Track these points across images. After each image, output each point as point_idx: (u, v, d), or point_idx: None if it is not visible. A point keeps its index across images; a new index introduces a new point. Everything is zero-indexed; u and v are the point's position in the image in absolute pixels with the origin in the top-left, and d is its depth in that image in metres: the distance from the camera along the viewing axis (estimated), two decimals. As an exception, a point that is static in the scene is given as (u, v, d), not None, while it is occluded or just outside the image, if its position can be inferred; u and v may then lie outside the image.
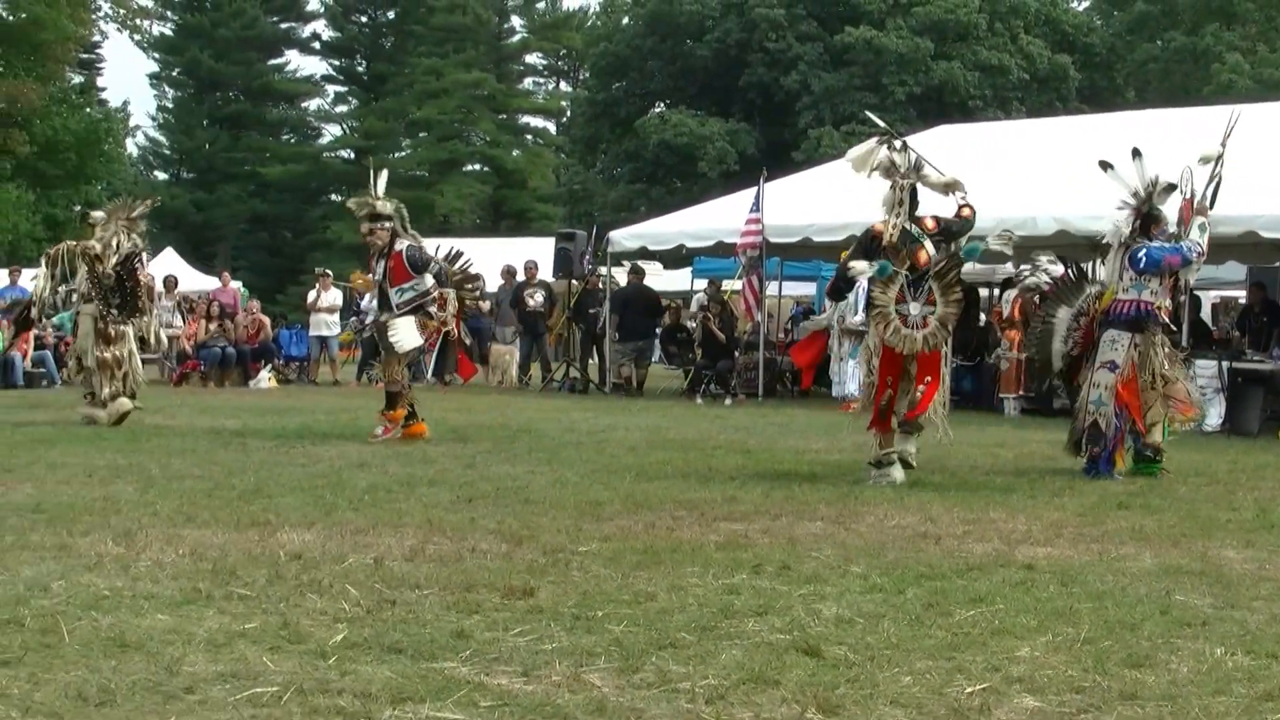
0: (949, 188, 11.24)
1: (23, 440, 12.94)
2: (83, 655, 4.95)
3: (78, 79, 56.85)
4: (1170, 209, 11.69)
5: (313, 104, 76.72)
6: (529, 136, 77.06)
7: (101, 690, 4.53)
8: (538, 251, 28.53)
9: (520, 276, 26.11)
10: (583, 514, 8.57)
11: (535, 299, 25.28)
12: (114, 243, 15.19)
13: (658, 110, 58.02)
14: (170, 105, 73.03)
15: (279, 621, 5.51)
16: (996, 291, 24.67)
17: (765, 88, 54.90)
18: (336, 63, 75.71)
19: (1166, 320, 11.50)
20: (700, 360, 23.18)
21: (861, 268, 10.90)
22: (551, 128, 78.36)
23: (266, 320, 26.72)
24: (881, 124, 11.69)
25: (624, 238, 24.32)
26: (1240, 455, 13.24)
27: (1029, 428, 16.43)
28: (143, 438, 13.32)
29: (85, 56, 59.78)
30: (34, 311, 16.46)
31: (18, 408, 17.33)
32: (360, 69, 74.71)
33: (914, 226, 10.74)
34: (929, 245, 10.73)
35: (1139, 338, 11.20)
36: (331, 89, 76.19)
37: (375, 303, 14.26)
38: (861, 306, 11.52)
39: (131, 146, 67.20)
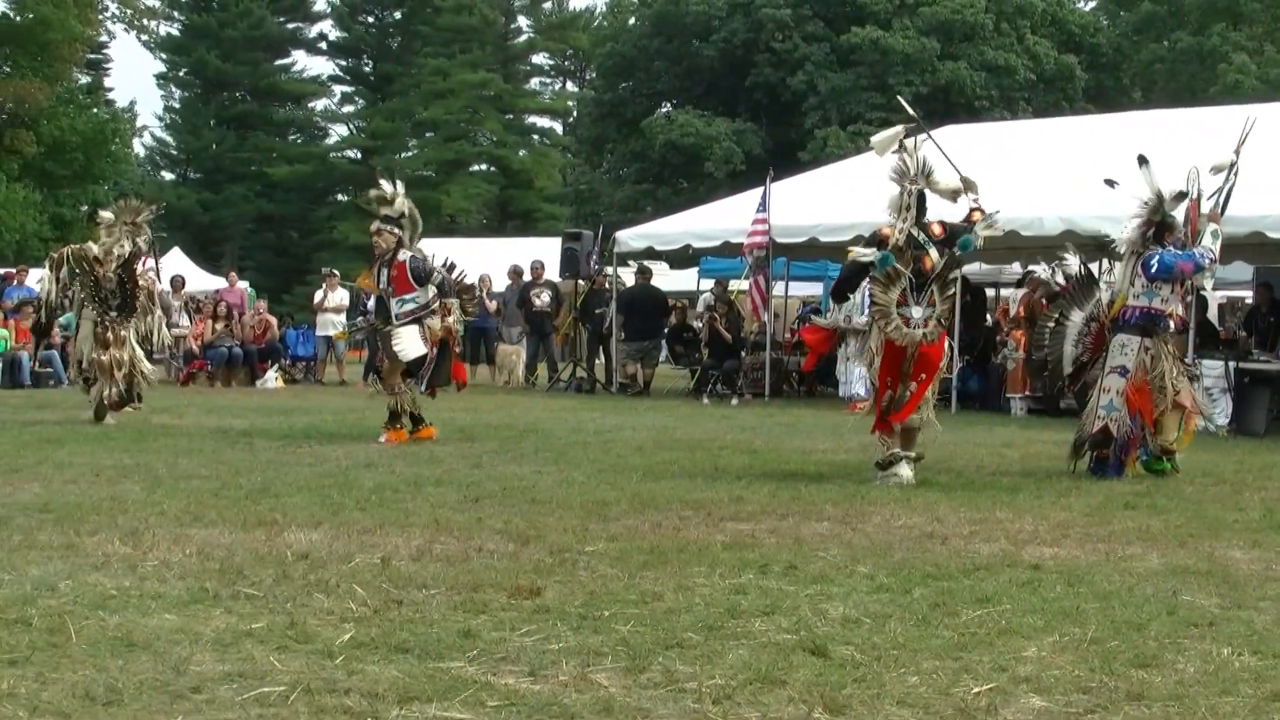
0: (966, 187, 11.25)
1: (30, 440, 12.96)
2: (90, 655, 4.95)
3: (85, 79, 56.98)
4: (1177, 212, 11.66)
5: (319, 104, 76.87)
6: (535, 137, 77.08)
7: (109, 689, 4.53)
8: (544, 251, 28.55)
9: (526, 276, 26.13)
10: (589, 514, 8.57)
11: (542, 299, 25.29)
12: (117, 244, 15.21)
13: (664, 110, 58.01)
14: (177, 105, 73.05)
15: (286, 621, 5.52)
16: (1002, 291, 24.76)
17: (772, 88, 54.88)
18: (343, 63, 75.76)
19: (1177, 326, 11.50)
20: (707, 360, 23.18)
21: (866, 252, 10.93)
22: (558, 128, 78.40)
23: (273, 320, 26.75)
24: (911, 111, 11.72)
25: (630, 238, 24.33)
26: (1247, 455, 13.23)
27: (1036, 428, 16.43)
28: (150, 437, 13.33)
29: (92, 57, 59.88)
30: (43, 315, 16.49)
31: (25, 407, 17.36)
32: (367, 69, 74.73)
33: (920, 232, 10.74)
34: (933, 252, 10.75)
35: (1149, 341, 11.19)
36: (338, 89, 76.32)
37: (375, 308, 14.27)
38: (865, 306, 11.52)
39: (138, 147, 67.33)
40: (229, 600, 5.89)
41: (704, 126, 53.78)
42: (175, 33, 70.02)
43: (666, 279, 30.81)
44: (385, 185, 13.45)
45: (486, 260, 29.68)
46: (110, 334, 14.99)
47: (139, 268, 16.24)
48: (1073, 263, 12.15)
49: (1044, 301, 12.33)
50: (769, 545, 7.54)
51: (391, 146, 69.91)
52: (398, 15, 73.60)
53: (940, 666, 5.00)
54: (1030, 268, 20.62)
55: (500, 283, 27.66)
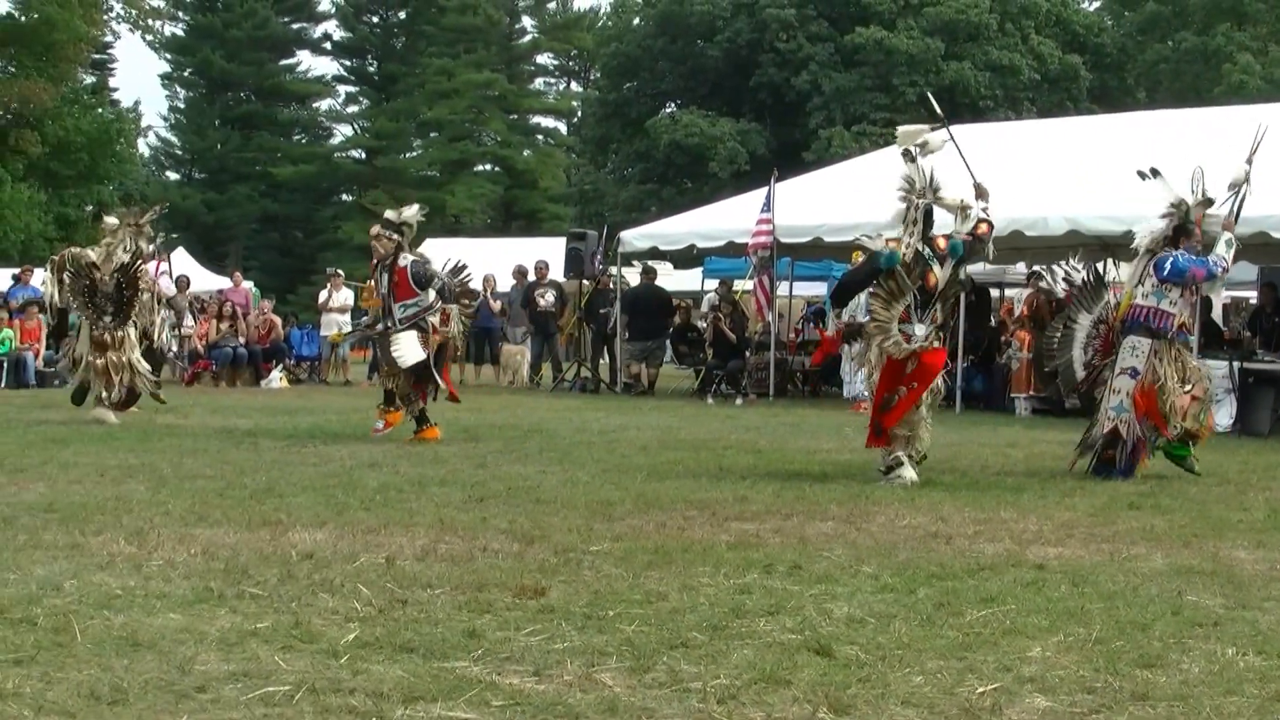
0: (978, 194, 11.28)
1: (35, 440, 12.97)
2: (95, 654, 4.96)
3: (90, 79, 57.05)
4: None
5: (324, 104, 76.96)
6: (540, 137, 77.14)
7: (114, 689, 4.54)
8: (549, 252, 28.54)
9: (531, 277, 26.14)
10: (594, 514, 8.57)
11: (546, 299, 25.30)
12: (119, 249, 15.25)
13: (668, 110, 58.10)
14: (182, 105, 73.14)
15: (291, 621, 5.52)
16: (1007, 291, 24.74)
17: (776, 88, 54.91)
18: (348, 63, 75.83)
19: (1184, 332, 11.49)
20: (711, 360, 23.19)
21: (873, 237, 10.96)
22: (562, 128, 78.47)
23: (278, 320, 26.76)
24: (937, 109, 11.74)
25: (635, 238, 24.33)
26: (1251, 455, 13.23)
27: (1040, 428, 16.42)
28: (154, 437, 13.34)
29: (97, 57, 59.94)
30: (51, 316, 16.54)
31: (30, 407, 17.37)
32: (371, 69, 74.77)
33: (926, 247, 10.71)
34: (937, 268, 10.70)
35: (1158, 344, 11.18)
36: (343, 89, 76.39)
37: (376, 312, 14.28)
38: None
39: (143, 147, 67.40)
40: (234, 600, 5.89)
41: (708, 126, 53.82)
42: (180, 33, 70.08)
43: (671, 279, 30.83)
44: (411, 209, 13.52)
45: (491, 260, 29.68)
46: (108, 337, 15.01)
47: (151, 270, 16.34)
48: (1077, 273, 12.15)
49: (1050, 304, 12.30)
50: (774, 545, 7.54)
51: (396, 147, 69.99)
52: (402, 15, 73.63)
53: (945, 666, 5.00)
54: (1035, 268, 20.70)
55: (505, 283, 27.67)
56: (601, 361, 25.20)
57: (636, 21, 61.85)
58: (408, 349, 13.17)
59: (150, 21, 53.01)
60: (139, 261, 15.30)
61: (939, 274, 10.68)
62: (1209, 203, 11.30)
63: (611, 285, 24.54)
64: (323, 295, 27.34)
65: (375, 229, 13.49)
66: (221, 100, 71.76)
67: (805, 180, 25.28)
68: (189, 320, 25.62)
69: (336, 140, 75.88)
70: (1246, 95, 42.48)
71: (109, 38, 57.53)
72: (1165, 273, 11.11)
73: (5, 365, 23.07)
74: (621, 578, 6.48)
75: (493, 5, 71.40)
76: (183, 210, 61.35)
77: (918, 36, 53.04)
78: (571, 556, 7.02)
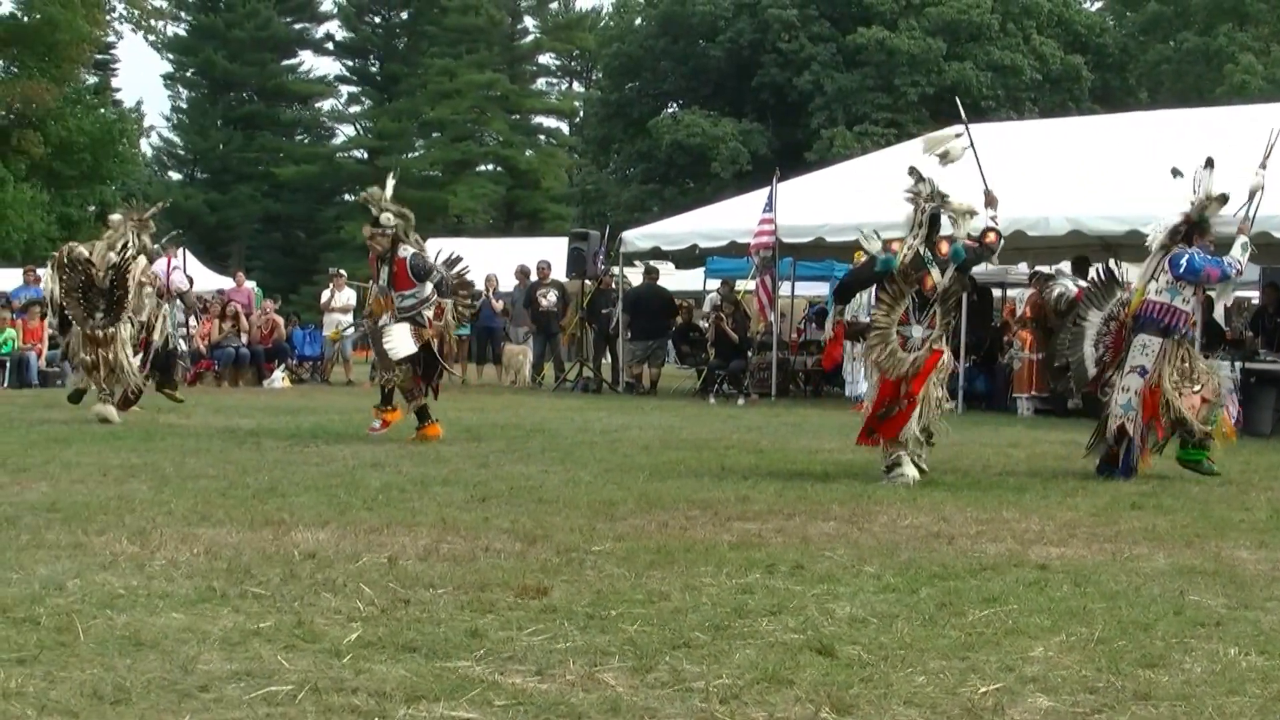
0: (988, 202, 11.33)
1: (38, 439, 12.98)
2: (98, 653, 4.96)
3: (92, 79, 57.05)
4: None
5: (326, 104, 77.02)
6: (542, 137, 77.15)
7: (117, 688, 4.54)
8: (551, 251, 28.56)
9: (533, 276, 26.16)
10: (596, 513, 8.57)
11: (548, 299, 25.32)
12: (118, 245, 15.29)
13: (670, 111, 58.11)
14: (184, 106, 73.20)
15: (293, 620, 5.52)
16: (1009, 291, 24.74)
17: (778, 88, 54.91)
18: (350, 63, 75.86)
19: (1193, 332, 11.49)
20: (713, 360, 23.21)
21: (872, 238, 10.99)
22: (564, 128, 78.50)
23: (280, 320, 26.78)
24: (963, 114, 11.79)
25: (637, 238, 24.34)
26: (1253, 455, 13.21)
27: (1042, 428, 16.43)
28: (157, 437, 13.35)
29: (100, 57, 60.01)
30: (51, 312, 16.56)
31: (33, 406, 17.37)
32: (374, 69, 74.78)
33: (927, 251, 10.74)
34: (935, 272, 10.73)
35: (1168, 342, 11.17)
36: (345, 89, 76.44)
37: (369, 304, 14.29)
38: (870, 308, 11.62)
39: (146, 147, 67.49)
40: (236, 599, 5.89)
41: (710, 127, 53.83)
42: (182, 33, 70.11)
43: (673, 279, 30.82)
44: (388, 185, 13.44)
45: (493, 260, 29.70)
46: (99, 334, 15.07)
47: (161, 266, 16.41)
48: (1070, 286, 12.15)
49: (1054, 305, 12.28)
50: (776, 545, 7.54)
51: (398, 147, 69.96)
52: (404, 15, 73.65)
53: (947, 666, 5.00)
54: (1037, 268, 20.70)
55: (507, 283, 27.70)
56: (604, 361, 25.22)
57: (638, 22, 61.87)
58: (399, 341, 13.17)
59: (152, 22, 53.07)
60: (130, 257, 15.32)
61: (937, 277, 10.71)
62: (1224, 199, 11.29)
63: (613, 285, 24.55)
64: (325, 295, 27.39)
65: (368, 229, 13.48)
66: (224, 100, 71.80)
67: (807, 180, 25.30)
68: (191, 320, 25.63)
69: (339, 140, 76.04)
70: (1248, 95, 42.49)
71: (111, 38, 57.71)
72: (1181, 270, 11.10)
73: (8, 365, 23.09)
74: (624, 577, 6.49)
75: (495, 5, 71.42)
76: (185, 210, 61.34)
77: (919, 37, 53.04)
78: (574, 556, 7.02)
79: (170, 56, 70.80)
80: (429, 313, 13.32)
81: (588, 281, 24.74)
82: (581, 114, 73.57)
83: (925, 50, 52.60)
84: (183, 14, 69.53)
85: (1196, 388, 11.31)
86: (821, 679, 4.79)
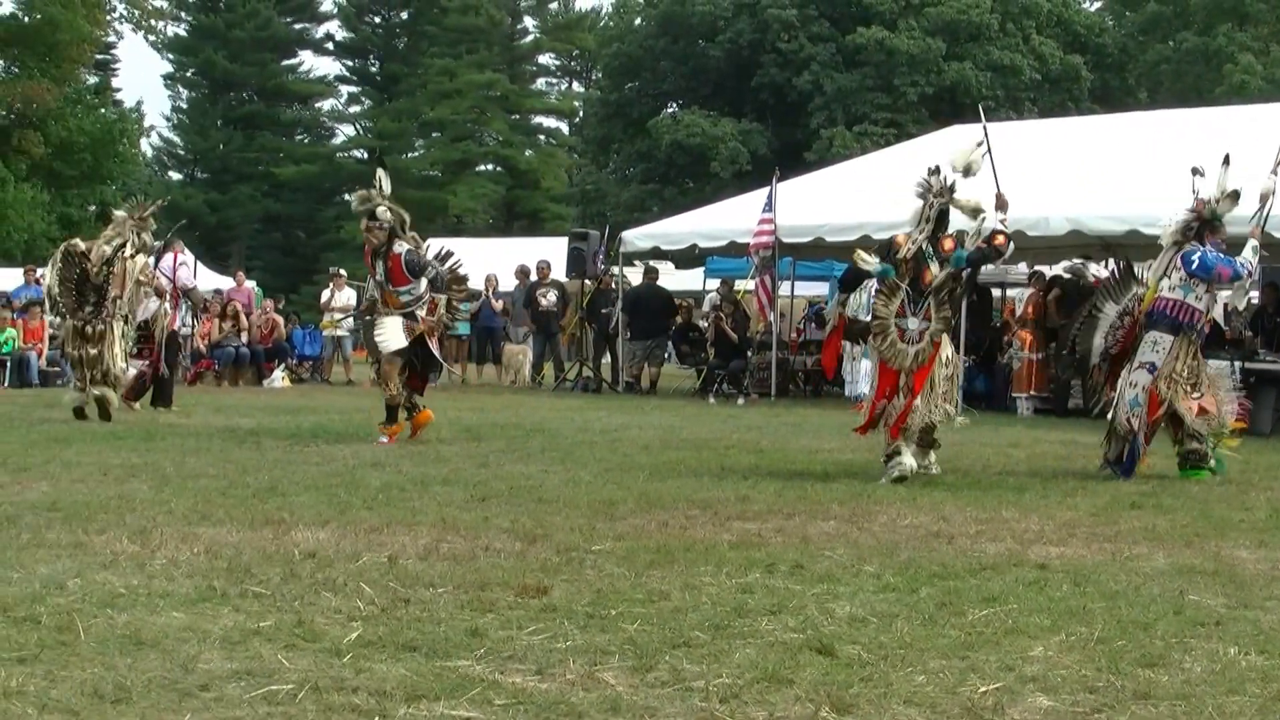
0: (999, 206, 11.38)
1: (38, 439, 12.98)
2: (99, 653, 4.96)
3: (93, 79, 57.06)
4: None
5: (326, 104, 77.14)
6: (542, 137, 77.20)
7: (117, 687, 4.54)
8: (551, 251, 28.57)
9: (533, 276, 26.18)
10: (596, 513, 8.57)
11: (548, 299, 25.33)
12: (114, 243, 15.38)
13: (670, 110, 58.11)
14: (184, 106, 73.26)
15: (294, 619, 5.52)
16: (1009, 291, 24.75)
17: (778, 88, 54.92)
18: (350, 63, 75.93)
19: (1206, 329, 11.49)
20: (713, 360, 23.22)
21: (869, 260, 11.03)
22: (564, 128, 78.55)
23: (280, 319, 26.79)
24: (982, 117, 11.81)
25: (637, 238, 24.35)
26: (1253, 455, 13.20)
27: (1042, 427, 16.44)
28: (157, 436, 13.35)
29: (100, 57, 60.07)
30: (52, 311, 16.63)
31: (34, 406, 17.37)
32: (374, 69, 74.84)
33: (929, 246, 10.80)
34: (934, 266, 10.79)
35: (1179, 340, 11.17)
36: (345, 89, 76.55)
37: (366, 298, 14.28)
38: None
39: (146, 147, 67.50)
40: (237, 599, 5.89)
41: (710, 127, 53.83)
42: (183, 33, 70.17)
43: (672, 279, 30.85)
44: (371, 193, 13.40)
45: (493, 260, 29.73)
46: (89, 329, 15.14)
47: (167, 263, 16.48)
48: (1095, 268, 12.18)
49: (1057, 303, 12.32)
50: (776, 544, 7.54)
51: (398, 146, 69.98)
52: (404, 16, 73.70)
53: (947, 666, 5.00)
54: (1037, 268, 20.71)
55: (507, 282, 27.72)
56: (604, 361, 25.23)
57: (638, 22, 61.89)
58: (391, 334, 13.16)
59: (153, 22, 53.14)
60: (129, 256, 15.38)
61: (935, 271, 10.76)
62: (1236, 196, 11.29)
63: (613, 285, 24.56)
64: (325, 295, 27.41)
65: (363, 223, 13.48)
66: (224, 100, 71.84)
67: (807, 180, 25.31)
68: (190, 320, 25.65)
69: (339, 140, 76.14)
70: (1248, 95, 42.50)
71: (112, 38, 57.75)
72: (1193, 266, 11.10)
73: (9, 364, 23.10)
74: (624, 577, 6.49)
75: (495, 6, 71.48)
76: (185, 210, 61.21)
77: (919, 37, 53.04)
78: (574, 556, 7.03)
79: (170, 56, 70.92)
80: (422, 312, 13.30)
81: (587, 281, 24.74)
82: (581, 114, 73.61)
83: (925, 50, 52.60)
84: (183, 14, 69.62)
85: (1196, 394, 11.31)
86: (821, 678, 4.79)
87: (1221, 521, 8.76)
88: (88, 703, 4.40)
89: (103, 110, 51.05)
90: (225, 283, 32.25)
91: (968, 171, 11.22)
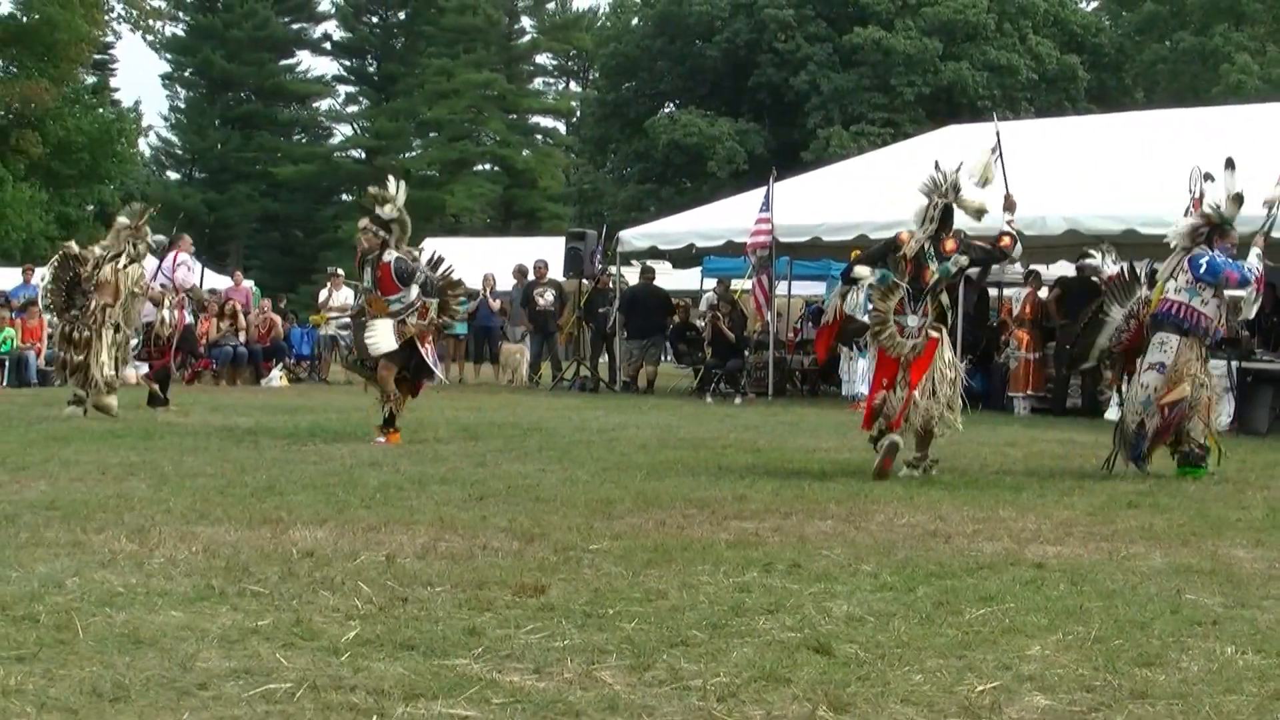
0: (1006, 207, 11.42)
1: (37, 438, 12.97)
2: (97, 651, 4.96)
3: (91, 79, 57.08)
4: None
5: (324, 104, 77.12)
6: (539, 136, 77.22)
7: (116, 686, 4.54)
8: (548, 251, 28.60)
9: (530, 276, 26.19)
10: (594, 512, 8.58)
11: (545, 298, 25.34)
12: (109, 252, 15.48)
13: (667, 110, 58.10)
14: (182, 105, 73.22)
15: (292, 618, 5.53)
16: (1005, 290, 24.74)
17: (774, 88, 54.91)
18: (347, 63, 75.93)
19: (1217, 333, 11.49)
20: (710, 359, 23.23)
21: (864, 273, 11.09)
22: (561, 128, 78.56)
23: (278, 319, 26.80)
24: (996, 129, 11.86)
25: (634, 237, 24.38)
26: (1250, 454, 13.23)
27: (1039, 427, 16.45)
28: (155, 436, 13.34)
29: (98, 57, 60.03)
30: (40, 304, 16.78)
31: (32, 405, 17.36)
32: (371, 69, 74.84)
33: (931, 245, 10.83)
34: (934, 265, 10.83)
35: (1185, 341, 11.18)
36: (342, 89, 76.53)
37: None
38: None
39: (144, 146, 67.46)
40: (235, 597, 5.89)
41: (707, 126, 53.82)
42: (180, 33, 70.17)
43: (670, 278, 30.87)
44: (390, 184, 13.42)
45: (490, 260, 29.76)
46: (75, 334, 15.22)
47: (168, 262, 16.56)
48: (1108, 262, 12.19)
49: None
50: (773, 543, 7.55)
51: (396, 146, 70.03)
52: (402, 15, 73.71)
53: (944, 665, 5.01)
54: (1033, 267, 20.71)
55: (504, 282, 27.72)
56: (601, 360, 25.24)
57: (635, 22, 61.86)
58: (382, 336, 13.10)
59: (151, 22, 53.17)
60: (122, 266, 15.44)
61: (935, 270, 10.80)
62: (1240, 199, 11.30)
63: (611, 284, 24.57)
64: (323, 294, 27.40)
65: (362, 222, 13.47)
66: (222, 100, 71.82)
67: (804, 180, 25.34)
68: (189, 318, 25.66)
69: (336, 140, 76.13)
70: (1244, 95, 42.54)
71: (110, 38, 57.68)
72: (1200, 271, 11.11)
73: (7, 364, 23.10)
74: (621, 576, 6.49)
75: (492, 5, 71.47)
76: (183, 210, 61.33)
77: (916, 36, 53.04)
78: (571, 555, 7.03)
79: (168, 56, 70.90)
80: (413, 318, 13.24)
81: (585, 281, 24.75)
82: (578, 114, 73.65)
83: (921, 50, 52.60)
84: (181, 14, 69.60)
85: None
86: (819, 677, 4.80)
87: (1218, 521, 8.77)
88: (86, 701, 4.40)
89: (101, 110, 51.04)
90: (223, 282, 32.24)
91: (986, 183, 11.29)
